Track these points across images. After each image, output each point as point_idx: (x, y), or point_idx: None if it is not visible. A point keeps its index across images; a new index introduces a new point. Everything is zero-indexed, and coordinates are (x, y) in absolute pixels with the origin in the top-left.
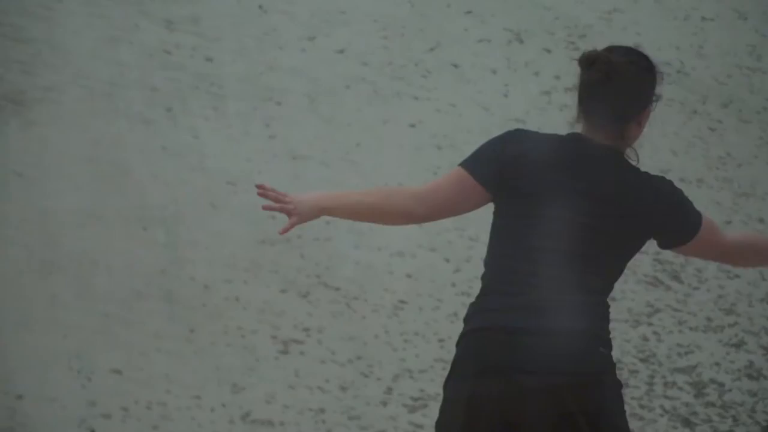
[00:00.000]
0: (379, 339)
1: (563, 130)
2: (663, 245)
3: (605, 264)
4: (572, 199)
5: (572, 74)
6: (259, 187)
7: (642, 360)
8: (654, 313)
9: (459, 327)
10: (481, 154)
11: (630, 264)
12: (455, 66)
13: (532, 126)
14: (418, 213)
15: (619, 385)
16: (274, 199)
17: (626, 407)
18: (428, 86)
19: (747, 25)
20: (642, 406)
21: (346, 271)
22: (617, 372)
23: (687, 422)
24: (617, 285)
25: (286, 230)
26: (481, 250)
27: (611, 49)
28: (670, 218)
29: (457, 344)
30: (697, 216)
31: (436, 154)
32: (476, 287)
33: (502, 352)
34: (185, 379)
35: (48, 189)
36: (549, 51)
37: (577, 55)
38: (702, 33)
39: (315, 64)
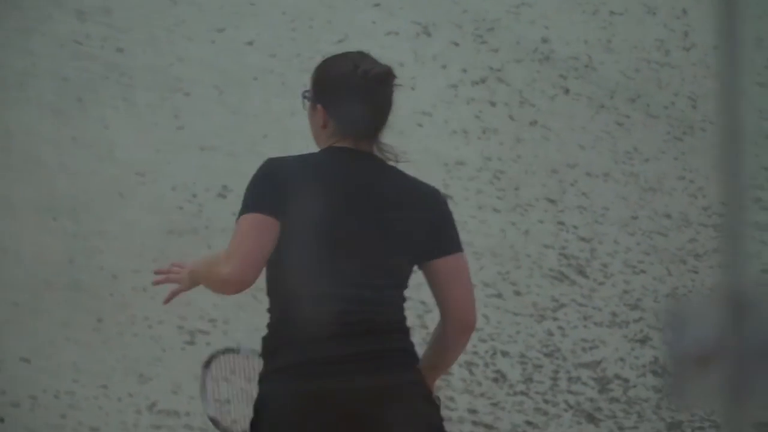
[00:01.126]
0: None
1: (471, 123)
2: (424, 256)
3: (401, 273)
4: (362, 216)
5: (480, 68)
6: (157, 272)
7: (546, 355)
8: (559, 308)
9: None
10: (257, 193)
11: (535, 258)
12: None
13: (439, 119)
14: (236, 275)
15: (438, 399)
16: (165, 280)
17: (530, 402)
18: None
19: (656, 20)
20: (546, 401)
21: None
22: (523, 367)
23: (591, 418)
24: (522, 279)
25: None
26: None
27: (368, 57)
28: (440, 223)
29: (261, 381)
30: (458, 239)
31: None
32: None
33: (320, 384)
34: (93, 368)
35: None
36: (457, 44)
37: (486, 48)
38: (610, 27)
39: (224, 56)
